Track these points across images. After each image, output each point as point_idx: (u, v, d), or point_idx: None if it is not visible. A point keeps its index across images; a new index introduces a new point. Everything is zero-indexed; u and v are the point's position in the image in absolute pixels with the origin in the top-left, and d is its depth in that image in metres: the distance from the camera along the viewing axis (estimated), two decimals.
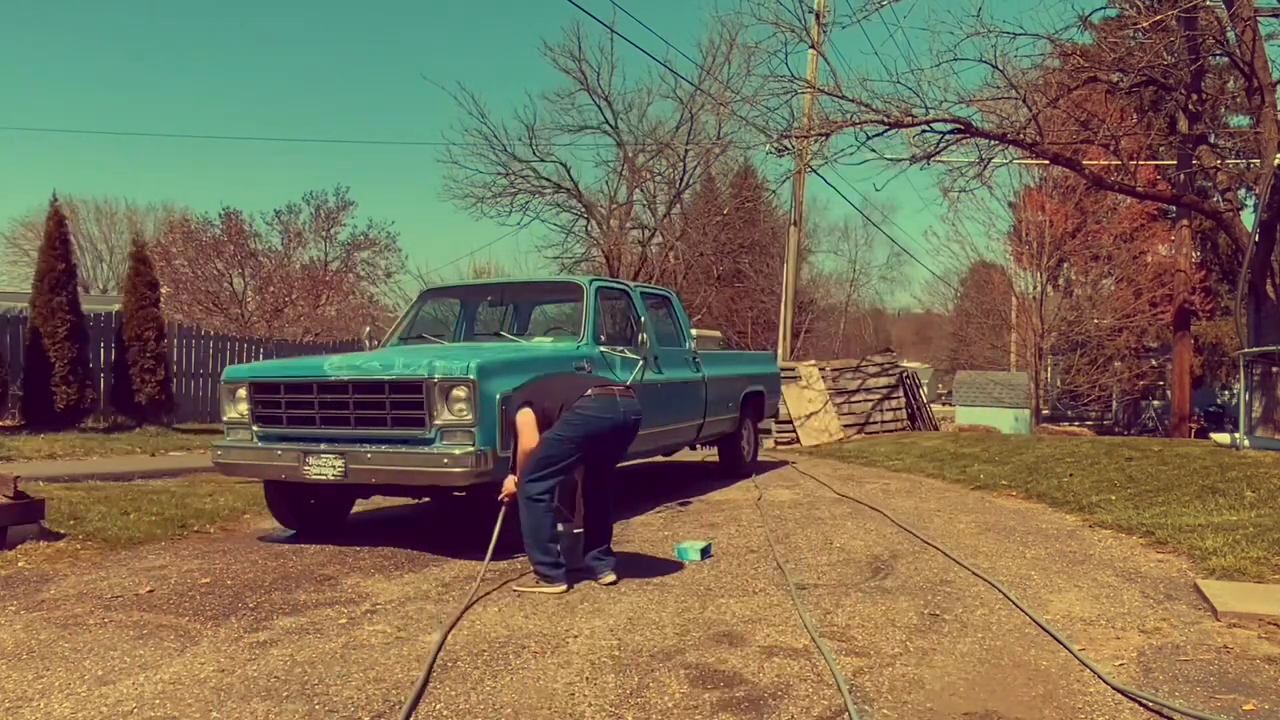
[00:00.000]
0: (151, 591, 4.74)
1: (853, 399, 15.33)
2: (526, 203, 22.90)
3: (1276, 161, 10.33)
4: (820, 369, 15.37)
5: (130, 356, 12.95)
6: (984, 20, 10.87)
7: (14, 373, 12.13)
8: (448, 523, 6.57)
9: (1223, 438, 10.77)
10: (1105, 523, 6.58)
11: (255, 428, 5.99)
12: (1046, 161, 14.00)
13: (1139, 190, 13.37)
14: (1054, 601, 4.49)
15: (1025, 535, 6.25)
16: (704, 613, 4.30)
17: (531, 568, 4.88)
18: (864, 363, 16.13)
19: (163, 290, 16.35)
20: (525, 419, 4.90)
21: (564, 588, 4.72)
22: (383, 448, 5.51)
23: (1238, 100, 16.38)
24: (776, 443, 14.18)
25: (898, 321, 52.31)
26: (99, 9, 63.57)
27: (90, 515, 6.41)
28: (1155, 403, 28.26)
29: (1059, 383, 27.79)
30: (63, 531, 5.90)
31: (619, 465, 7.98)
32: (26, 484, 5.94)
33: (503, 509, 5.03)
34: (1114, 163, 12.99)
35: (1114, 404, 29.66)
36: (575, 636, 3.93)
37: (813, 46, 13.75)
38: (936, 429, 17.01)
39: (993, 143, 11.81)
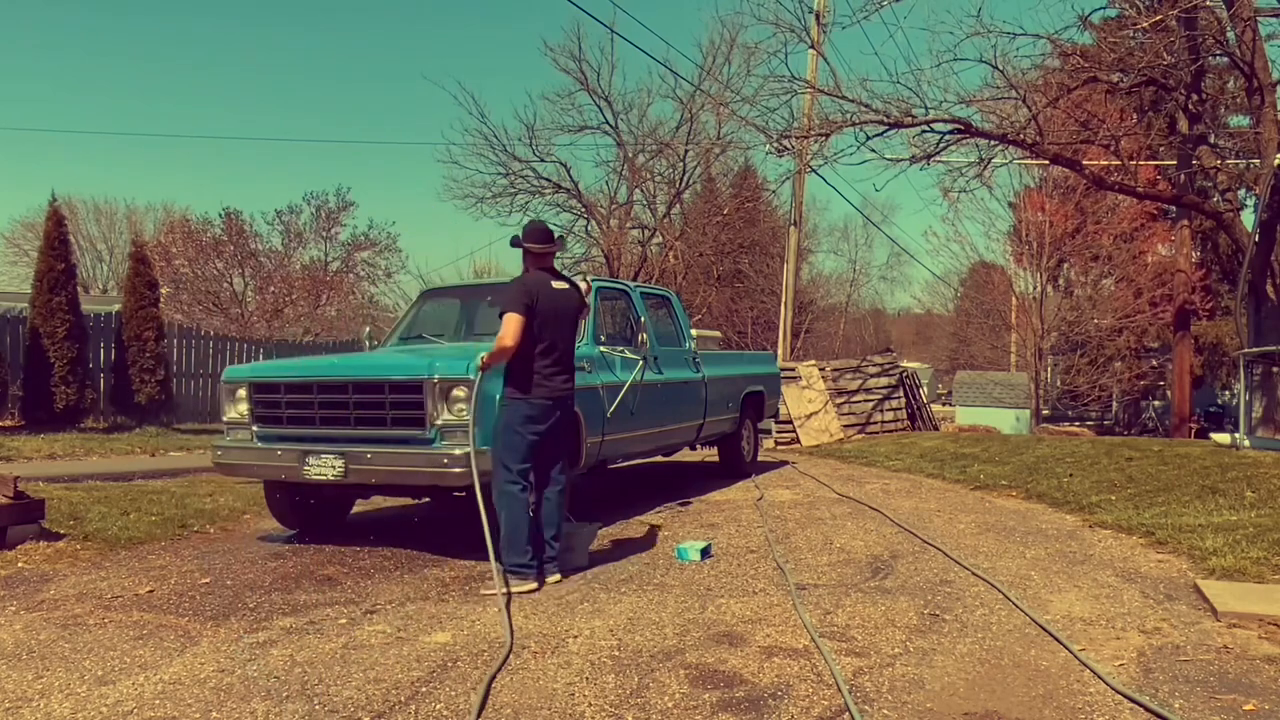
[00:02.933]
0: (151, 591, 4.74)
1: (853, 399, 15.32)
2: (526, 203, 22.85)
3: (1276, 161, 10.33)
4: (820, 369, 15.36)
5: (130, 356, 12.96)
6: (984, 20, 10.92)
7: (14, 373, 12.13)
8: (448, 523, 6.57)
9: (1223, 438, 10.78)
10: (1105, 523, 6.58)
11: (255, 428, 5.99)
12: (1046, 161, 14.00)
13: (1139, 190, 13.38)
14: (1054, 601, 4.49)
15: (1025, 535, 6.25)
16: (704, 613, 4.30)
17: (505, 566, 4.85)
18: (864, 363, 16.13)
19: (163, 290, 16.35)
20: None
21: (535, 585, 4.80)
22: (383, 448, 5.50)
23: (1238, 100, 16.40)
24: (776, 443, 14.17)
25: (898, 321, 52.23)
26: (99, 9, 63.61)
27: (90, 515, 6.41)
28: (1155, 403, 28.28)
29: (1059, 383, 27.80)
30: (63, 532, 5.90)
31: (616, 465, 7.98)
32: (26, 484, 5.95)
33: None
34: (1114, 163, 12.99)
35: (1114, 404, 29.68)
36: (575, 636, 3.93)
37: (812, 47, 13.76)
38: (936, 429, 17.00)
39: (993, 143, 11.81)
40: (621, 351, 7.03)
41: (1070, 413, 28.88)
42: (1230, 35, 10.88)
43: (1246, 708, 3.12)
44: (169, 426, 13.22)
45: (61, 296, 12.12)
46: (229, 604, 4.50)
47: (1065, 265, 25.17)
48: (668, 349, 7.95)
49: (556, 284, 5.04)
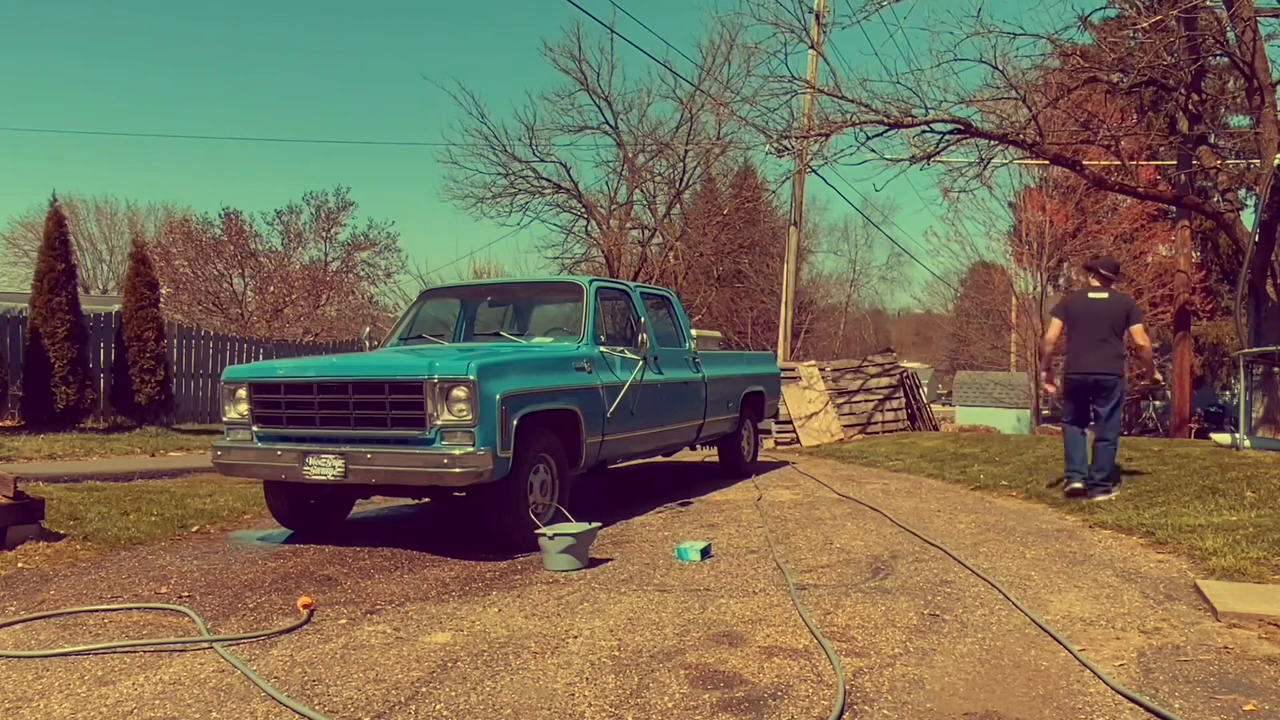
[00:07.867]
0: (152, 592, 4.74)
1: (853, 399, 15.32)
2: (526, 203, 22.87)
3: (1276, 161, 10.34)
4: (820, 369, 15.37)
5: (130, 357, 12.94)
6: (984, 20, 10.90)
7: (14, 373, 12.12)
8: (448, 523, 6.58)
9: (1223, 438, 10.77)
10: (1105, 523, 6.58)
11: (255, 428, 5.99)
12: (1046, 161, 14.01)
13: (1139, 190, 13.38)
14: (1054, 602, 4.49)
15: (1025, 535, 6.25)
16: (704, 613, 4.30)
17: None
18: (864, 363, 16.14)
19: (163, 290, 16.37)
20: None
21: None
22: (383, 448, 5.50)
23: (1238, 100, 16.38)
24: (776, 443, 14.18)
25: (898, 322, 52.27)
26: (99, 9, 63.63)
27: (90, 515, 6.41)
28: (1155, 403, 28.25)
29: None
30: (62, 532, 5.89)
31: (616, 465, 7.95)
32: (26, 484, 5.94)
33: None
34: (1114, 163, 13.01)
35: None
36: (575, 637, 3.93)
37: (812, 47, 13.77)
38: (937, 429, 17.01)
39: (993, 143, 11.82)
40: (621, 351, 7.02)
41: None
42: (1230, 35, 10.89)
43: (1246, 708, 3.12)
44: (169, 427, 13.21)
45: (62, 296, 12.11)
46: (229, 604, 4.49)
47: (1065, 265, 25.18)
48: (668, 349, 7.95)
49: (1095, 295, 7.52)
